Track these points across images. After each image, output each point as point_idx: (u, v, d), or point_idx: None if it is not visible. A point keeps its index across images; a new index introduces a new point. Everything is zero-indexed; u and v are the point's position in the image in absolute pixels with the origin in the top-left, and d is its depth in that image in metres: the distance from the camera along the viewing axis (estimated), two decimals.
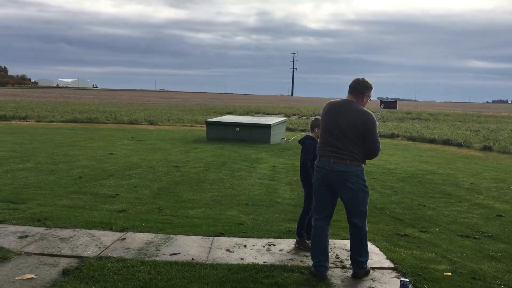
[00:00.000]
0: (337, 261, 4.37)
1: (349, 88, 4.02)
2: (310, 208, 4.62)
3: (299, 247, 4.68)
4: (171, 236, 4.85)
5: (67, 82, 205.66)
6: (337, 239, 5.11)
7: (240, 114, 29.76)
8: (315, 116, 34.35)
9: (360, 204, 3.97)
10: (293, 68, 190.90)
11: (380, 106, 4.56)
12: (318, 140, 4.13)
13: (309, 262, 4.29)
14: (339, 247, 4.80)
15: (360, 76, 4.07)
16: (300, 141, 4.84)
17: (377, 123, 4.02)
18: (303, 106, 54.38)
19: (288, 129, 20.41)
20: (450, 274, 4.17)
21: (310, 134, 4.79)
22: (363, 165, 3.97)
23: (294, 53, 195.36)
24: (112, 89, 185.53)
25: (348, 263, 4.31)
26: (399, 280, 3.78)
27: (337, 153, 3.87)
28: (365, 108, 3.94)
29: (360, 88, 3.98)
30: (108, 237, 4.72)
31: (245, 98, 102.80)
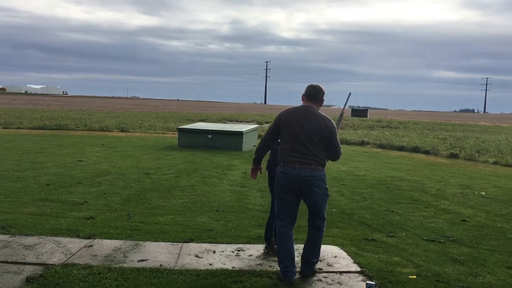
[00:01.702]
0: None
1: (308, 95, 4.11)
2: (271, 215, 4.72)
3: (268, 252, 4.71)
4: (140, 242, 4.80)
5: (36, 88, 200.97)
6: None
7: (213, 121, 29.71)
8: None
9: (323, 207, 4.13)
10: (266, 76, 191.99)
11: (340, 115, 4.68)
12: (280, 146, 4.16)
13: (277, 267, 4.32)
14: None
15: (315, 83, 4.16)
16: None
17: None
18: (276, 114, 54.26)
19: (260, 136, 20.49)
20: (415, 277, 4.28)
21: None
22: (325, 170, 4.09)
23: (267, 62, 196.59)
24: (83, 96, 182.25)
25: (316, 267, 4.36)
26: (365, 283, 3.86)
27: (303, 158, 3.94)
28: (322, 115, 4.05)
29: (319, 95, 4.10)
30: (74, 244, 4.64)
31: (218, 106, 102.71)
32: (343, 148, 17.07)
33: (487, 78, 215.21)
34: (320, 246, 4.19)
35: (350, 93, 5.44)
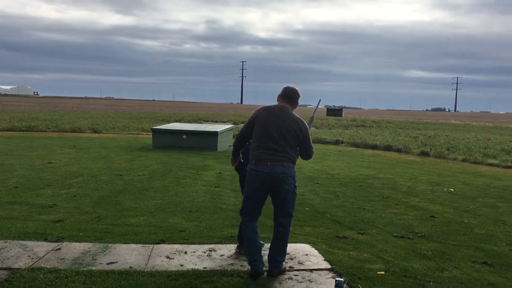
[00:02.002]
0: None
1: (283, 96, 4.25)
2: (242, 213, 4.74)
3: (240, 252, 4.71)
4: (109, 245, 4.74)
5: (6, 89, 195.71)
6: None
7: (189, 121, 29.52)
8: None
9: (290, 205, 4.19)
10: (242, 76, 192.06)
11: (311, 119, 4.77)
12: (252, 143, 4.20)
13: (249, 266, 4.34)
14: None
15: (292, 85, 4.31)
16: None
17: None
18: (251, 114, 54.61)
19: (235, 136, 20.48)
20: (383, 273, 4.35)
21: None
22: (294, 168, 4.15)
23: (243, 61, 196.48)
24: (55, 96, 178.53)
25: (287, 265, 4.39)
26: (334, 280, 3.90)
27: (274, 155, 4.02)
28: (296, 116, 4.19)
29: (295, 97, 4.25)
30: (42, 247, 4.54)
31: (194, 106, 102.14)
32: (318, 147, 17.28)
33: (457, 77, 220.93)
34: (286, 245, 4.22)
35: (320, 100, 5.77)
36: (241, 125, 30.89)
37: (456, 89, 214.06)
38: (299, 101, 4.30)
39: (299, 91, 4.27)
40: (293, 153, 4.09)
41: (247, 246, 4.19)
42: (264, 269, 4.16)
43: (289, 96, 4.21)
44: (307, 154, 4.24)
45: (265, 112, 4.17)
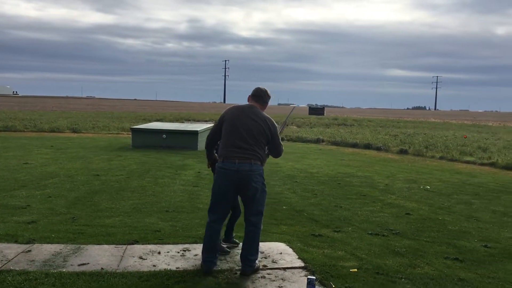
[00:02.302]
0: None
1: (253, 96, 4.33)
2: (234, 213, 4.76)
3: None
4: (82, 246, 4.68)
5: None
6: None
7: (170, 121, 29.35)
8: None
9: (260, 203, 4.21)
10: (225, 75, 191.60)
11: (283, 124, 4.87)
12: (221, 142, 4.21)
13: (222, 265, 4.35)
14: None
15: (262, 86, 4.39)
16: None
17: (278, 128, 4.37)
18: None
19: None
20: (356, 270, 4.39)
21: None
22: (263, 166, 4.20)
23: (225, 61, 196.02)
24: (35, 96, 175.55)
25: (261, 264, 4.40)
26: (306, 278, 3.92)
27: (242, 153, 4.05)
28: (264, 114, 4.25)
29: (265, 97, 4.33)
30: (12, 249, 4.47)
31: (176, 105, 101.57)
32: (299, 145, 17.42)
33: (437, 76, 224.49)
34: (257, 243, 4.23)
35: (294, 107, 5.92)
36: None
37: (436, 87, 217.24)
38: (269, 102, 4.38)
39: (269, 92, 4.36)
40: (261, 152, 4.13)
41: (204, 244, 4.22)
42: (237, 268, 4.17)
43: (259, 96, 4.29)
44: (276, 152, 4.32)
45: (235, 111, 4.21)
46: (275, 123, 4.23)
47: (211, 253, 4.18)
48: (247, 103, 4.34)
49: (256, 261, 4.24)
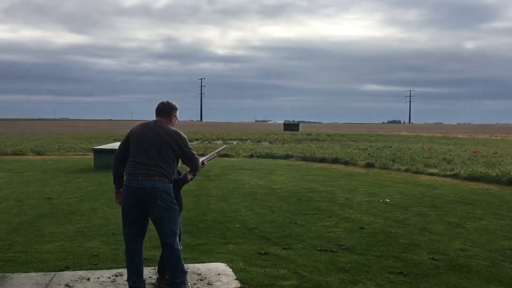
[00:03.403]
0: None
1: (156, 111, 4.21)
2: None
3: (160, 285, 4.35)
4: (7, 274, 4.43)
5: None
6: (194, 262, 5.02)
7: None
8: (218, 140, 34.45)
9: (171, 222, 4.01)
10: (201, 93, 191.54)
11: (212, 154, 4.84)
12: (128, 159, 4.05)
13: None
14: (192, 271, 4.69)
15: (166, 100, 4.26)
16: None
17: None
18: (209, 131, 54.52)
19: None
20: None
21: None
22: (170, 183, 4.03)
23: (201, 79, 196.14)
24: (6, 118, 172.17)
25: (196, 286, 4.23)
26: None
27: (146, 170, 3.91)
28: (169, 127, 4.10)
29: (166, 110, 4.20)
30: None
31: None
32: (268, 161, 17.34)
33: (410, 90, 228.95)
34: (179, 265, 4.04)
35: (225, 147, 6.63)
36: (195, 142, 30.72)
37: (410, 101, 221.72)
38: (176, 114, 4.24)
39: (174, 104, 4.24)
40: (168, 168, 3.97)
41: (127, 268, 4.02)
42: None
43: (160, 110, 4.18)
44: (191, 164, 4.18)
45: (140, 127, 4.10)
46: (183, 135, 4.09)
47: (134, 277, 4.01)
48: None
49: (186, 282, 4.07)
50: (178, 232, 4.11)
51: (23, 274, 4.45)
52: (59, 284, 4.20)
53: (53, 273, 4.50)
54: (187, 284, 4.09)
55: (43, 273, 4.51)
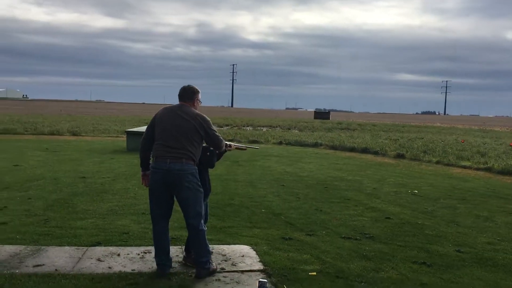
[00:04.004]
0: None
1: (179, 96, 4.30)
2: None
3: (186, 264, 4.46)
4: (42, 247, 4.67)
5: None
6: (219, 244, 5.16)
7: None
8: (248, 126, 34.57)
9: (197, 204, 4.12)
10: (233, 80, 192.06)
11: (240, 147, 5.01)
12: (154, 142, 4.18)
13: (179, 269, 4.31)
14: (217, 252, 4.83)
15: (188, 85, 4.34)
16: None
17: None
18: (239, 117, 54.73)
19: None
20: (315, 273, 4.33)
21: None
22: (196, 166, 4.13)
23: (233, 65, 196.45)
24: (45, 99, 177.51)
25: (219, 267, 4.36)
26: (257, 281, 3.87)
27: (174, 153, 4.02)
28: (192, 110, 4.19)
29: (188, 94, 4.27)
30: None
31: None
32: (296, 149, 17.34)
33: (446, 81, 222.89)
34: (204, 245, 4.16)
35: (258, 147, 6.18)
36: (225, 128, 30.95)
37: (446, 92, 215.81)
38: (198, 97, 4.32)
39: (195, 88, 4.33)
40: (193, 151, 4.07)
41: (154, 247, 4.17)
42: (193, 271, 4.13)
43: (183, 95, 4.26)
44: (215, 145, 4.29)
45: (165, 112, 4.22)
46: (207, 119, 4.18)
47: (162, 254, 4.16)
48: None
49: (211, 262, 4.19)
50: (203, 213, 4.23)
51: (57, 248, 4.68)
52: (91, 258, 4.40)
53: (86, 247, 4.72)
54: (212, 264, 4.21)
55: (76, 247, 4.73)
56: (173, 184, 4.03)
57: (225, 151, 4.78)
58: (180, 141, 4.02)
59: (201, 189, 4.15)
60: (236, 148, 4.90)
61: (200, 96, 4.35)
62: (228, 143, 4.69)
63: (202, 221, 4.19)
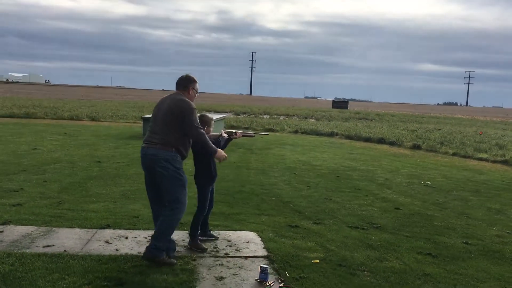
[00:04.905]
0: (213, 251, 4.48)
1: (176, 85, 4.34)
2: (205, 207, 4.69)
3: (191, 248, 4.53)
4: (54, 229, 4.81)
5: (17, 77, 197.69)
6: (226, 230, 5.23)
7: None
8: (265, 114, 34.54)
9: (171, 191, 4.07)
10: (252, 67, 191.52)
11: (249, 134, 5.02)
12: None
13: (184, 252, 4.40)
14: (223, 238, 4.91)
15: (186, 74, 4.37)
16: None
17: (196, 111, 4.20)
18: (256, 105, 54.67)
19: (233, 127, 20.54)
20: (317, 261, 4.37)
21: None
22: (177, 152, 4.10)
23: (253, 53, 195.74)
24: (66, 85, 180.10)
25: (223, 252, 4.44)
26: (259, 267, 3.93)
27: (152, 138, 4.11)
28: (181, 97, 4.18)
29: (183, 82, 4.31)
30: None
31: (202, 96, 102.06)
32: (311, 138, 17.27)
33: (469, 71, 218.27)
34: (164, 231, 4.05)
35: (268, 134, 6.09)
36: (241, 116, 30.97)
37: (468, 83, 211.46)
38: (194, 86, 4.32)
39: (192, 77, 4.34)
40: (171, 136, 4.04)
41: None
42: (197, 255, 4.20)
43: (179, 83, 4.31)
44: (192, 135, 4.15)
45: (160, 99, 4.32)
46: (190, 106, 4.08)
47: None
48: None
49: (164, 252, 4.05)
50: (182, 201, 4.12)
51: (68, 229, 4.82)
52: (100, 240, 4.52)
53: (95, 230, 4.85)
54: (164, 255, 4.06)
55: (86, 229, 4.86)
56: (149, 169, 4.12)
57: (231, 139, 4.85)
58: (159, 126, 4.09)
59: (180, 177, 4.07)
60: (244, 136, 4.94)
61: (197, 86, 4.37)
62: (234, 131, 4.76)
63: (177, 209, 4.07)
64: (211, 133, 4.64)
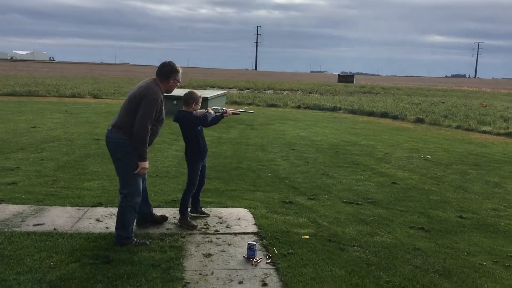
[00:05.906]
0: (203, 228, 4.48)
1: (157, 71, 4.09)
2: (195, 184, 4.66)
3: (181, 226, 4.52)
4: (45, 207, 4.83)
5: (22, 54, 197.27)
6: (219, 207, 5.23)
7: (194, 87, 29.42)
8: (269, 90, 34.29)
9: (123, 176, 3.99)
10: (257, 42, 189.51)
11: (235, 112, 4.90)
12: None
13: (174, 230, 4.41)
14: (214, 214, 4.90)
15: (170, 60, 4.14)
16: (176, 119, 4.74)
17: (156, 103, 3.90)
18: (261, 80, 54.24)
19: (235, 103, 20.43)
20: (307, 237, 4.36)
21: (184, 108, 4.71)
22: (130, 137, 3.89)
23: (258, 27, 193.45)
24: (71, 62, 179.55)
25: (213, 229, 4.44)
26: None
27: (113, 121, 4.03)
28: (151, 85, 3.96)
29: (165, 71, 4.07)
30: None
31: (206, 72, 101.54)
32: (314, 113, 17.14)
33: (478, 43, 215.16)
34: (121, 217, 3.99)
35: (253, 112, 5.97)
36: (244, 92, 30.78)
37: (477, 54, 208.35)
38: (171, 73, 4.06)
39: (176, 66, 4.08)
40: (127, 120, 3.89)
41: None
42: (186, 233, 4.20)
43: (160, 71, 4.06)
44: (135, 125, 3.82)
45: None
46: (152, 95, 3.86)
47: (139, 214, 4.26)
48: None
49: (131, 238, 3.97)
50: (137, 188, 4.02)
51: (59, 208, 4.84)
52: (90, 218, 4.54)
53: (87, 208, 4.86)
54: (135, 241, 4.00)
55: (77, 207, 4.88)
56: (109, 151, 4.10)
57: (223, 117, 4.79)
58: (122, 112, 3.99)
59: (130, 162, 3.90)
60: (233, 114, 4.90)
61: (179, 76, 4.12)
62: (225, 109, 4.72)
63: (129, 195, 3.98)
64: (198, 110, 4.59)
